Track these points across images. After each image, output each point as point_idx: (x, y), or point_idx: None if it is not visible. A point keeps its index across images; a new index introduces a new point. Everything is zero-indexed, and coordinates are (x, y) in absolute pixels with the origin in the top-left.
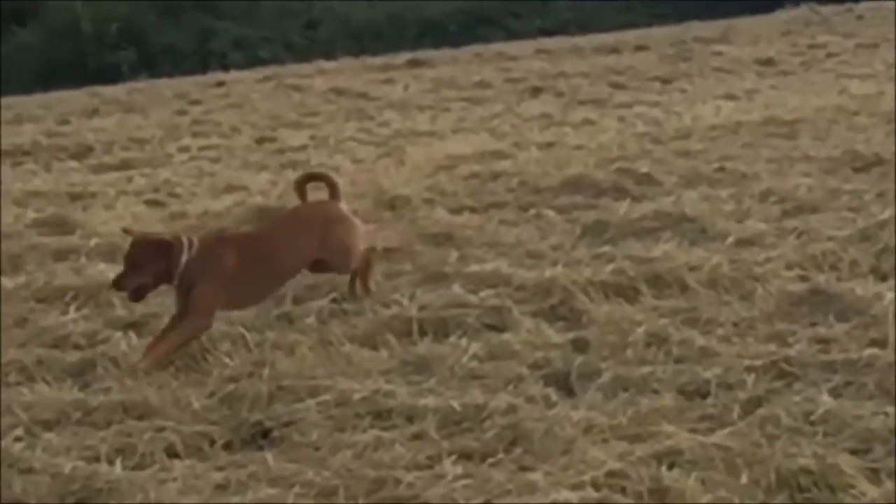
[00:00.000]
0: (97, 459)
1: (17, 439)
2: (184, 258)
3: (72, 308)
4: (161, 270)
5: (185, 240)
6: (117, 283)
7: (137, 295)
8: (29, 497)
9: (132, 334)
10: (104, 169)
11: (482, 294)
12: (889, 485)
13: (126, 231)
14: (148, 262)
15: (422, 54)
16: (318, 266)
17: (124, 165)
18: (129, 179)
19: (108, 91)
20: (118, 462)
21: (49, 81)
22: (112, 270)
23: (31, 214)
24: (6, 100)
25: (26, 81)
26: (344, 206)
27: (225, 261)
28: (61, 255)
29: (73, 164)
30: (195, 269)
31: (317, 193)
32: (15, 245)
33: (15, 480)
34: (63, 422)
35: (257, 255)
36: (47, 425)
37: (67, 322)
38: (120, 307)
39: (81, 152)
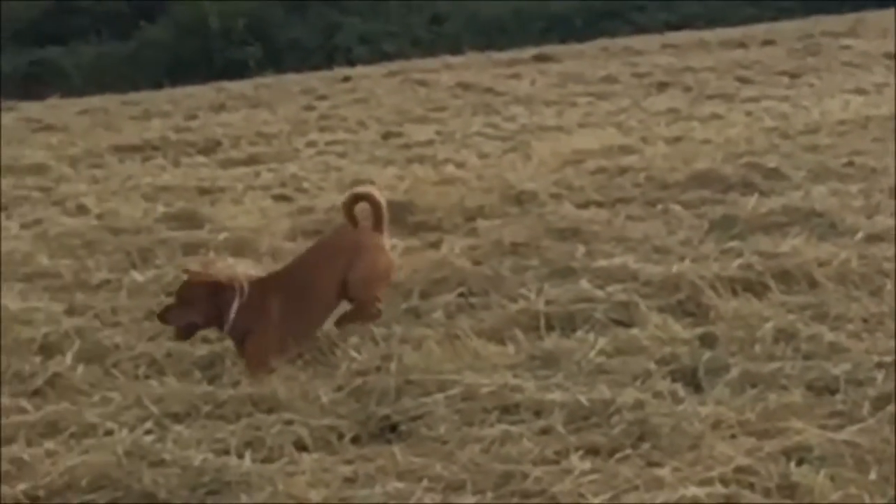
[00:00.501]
0: (227, 452)
1: (148, 432)
2: (235, 304)
3: None
4: (211, 312)
5: (237, 286)
6: (162, 317)
7: (187, 333)
8: (159, 489)
9: None
10: (232, 164)
11: (609, 289)
12: None
13: (184, 271)
14: (198, 301)
15: (548, 49)
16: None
17: (252, 160)
18: (257, 174)
19: (235, 86)
20: (247, 455)
21: (177, 77)
22: (241, 264)
23: (160, 209)
24: (135, 95)
25: (155, 76)
26: (384, 236)
27: (271, 308)
28: (190, 249)
29: (202, 158)
30: (246, 318)
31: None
32: (145, 239)
33: (145, 473)
34: (193, 415)
35: (299, 293)
36: (177, 418)
37: None
38: None
39: (209, 147)
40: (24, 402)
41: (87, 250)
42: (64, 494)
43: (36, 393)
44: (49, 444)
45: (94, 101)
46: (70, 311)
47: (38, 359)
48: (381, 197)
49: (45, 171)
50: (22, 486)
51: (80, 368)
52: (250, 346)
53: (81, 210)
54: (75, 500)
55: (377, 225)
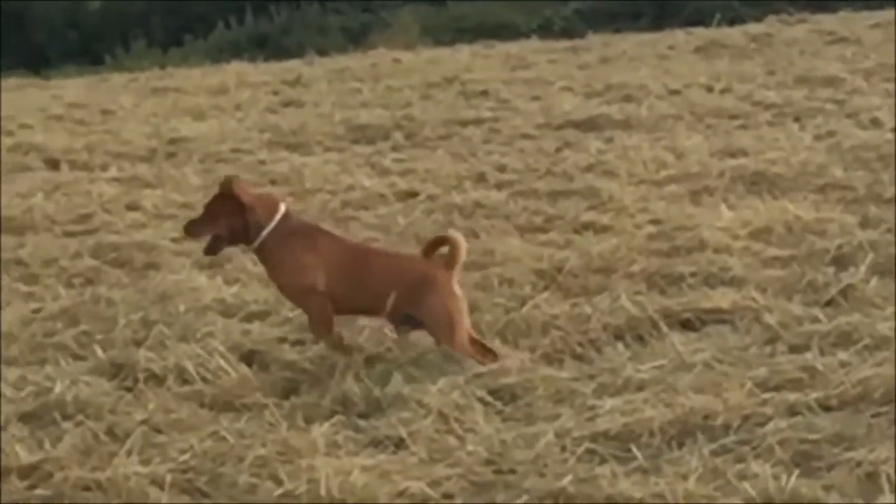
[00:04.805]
0: None
1: None
2: (271, 224)
3: None
4: (237, 227)
5: (282, 207)
6: (188, 228)
7: (212, 249)
8: None
9: None
10: None
11: None
12: None
13: (225, 182)
14: (221, 214)
15: None
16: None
17: None
18: None
19: None
20: None
21: None
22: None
23: None
24: None
25: None
26: (454, 277)
27: (319, 251)
28: None
29: None
30: (284, 246)
31: None
32: None
33: None
34: None
35: (347, 267)
36: None
37: None
38: None
39: None
40: (816, 312)
41: (881, 164)
42: (856, 405)
43: (829, 303)
44: (842, 355)
45: (887, 14)
46: (863, 224)
47: (831, 269)
48: (463, 242)
49: (839, 84)
50: (814, 395)
51: (874, 281)
52: (313, 303)
53: (875, 123)
54: (868, 411)
55: (450, 265)
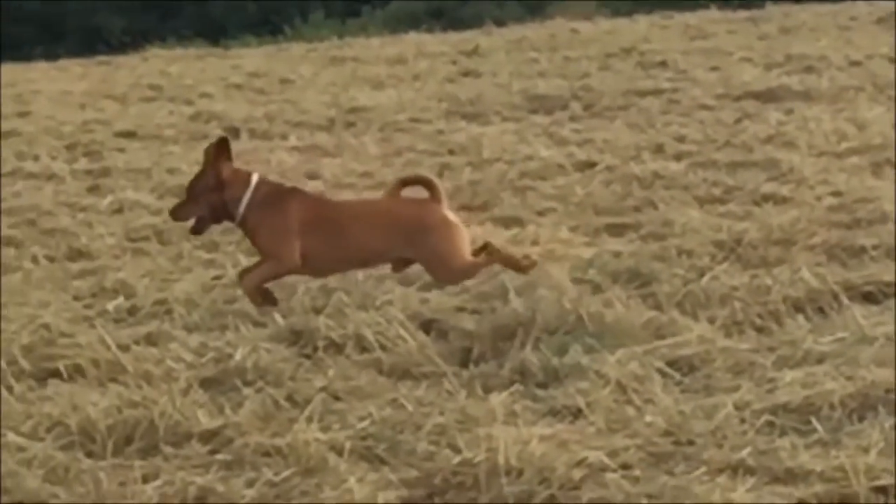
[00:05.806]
0: None
1: None
2: (246, 197)
3: None
4: (216, 204)
5: (254, 179)
6: (174, 212)
7: (198, 228)
8: None
9: None
10: None
11: None
12: None
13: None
14: (201, 194)
15: None
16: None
17: None
18: None
19: None
20: None
21: None
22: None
23: None
24: None
25: None
26: (445, 209)
27: (290, 214)
28: None
29: None
30: (257, 214)
31: None
32: None
33: None
34: None
35: (324, 224)
36: None
37: None
38: None
39: None
40: None
41: None
42: None
43: None
44: None
45: None
46: None
47: None
48: (436, 179)
49: None
50: None
51: None
52: (262, 241)
53: None
54: None
55: (436, 200)
